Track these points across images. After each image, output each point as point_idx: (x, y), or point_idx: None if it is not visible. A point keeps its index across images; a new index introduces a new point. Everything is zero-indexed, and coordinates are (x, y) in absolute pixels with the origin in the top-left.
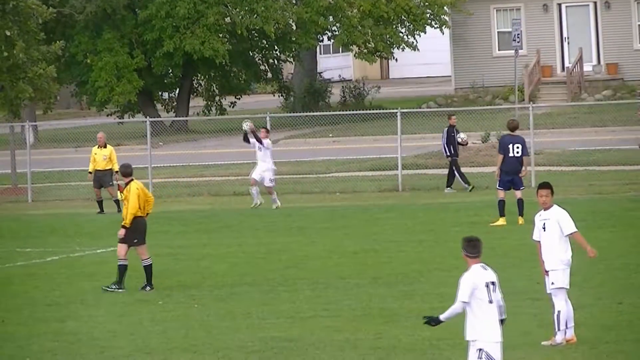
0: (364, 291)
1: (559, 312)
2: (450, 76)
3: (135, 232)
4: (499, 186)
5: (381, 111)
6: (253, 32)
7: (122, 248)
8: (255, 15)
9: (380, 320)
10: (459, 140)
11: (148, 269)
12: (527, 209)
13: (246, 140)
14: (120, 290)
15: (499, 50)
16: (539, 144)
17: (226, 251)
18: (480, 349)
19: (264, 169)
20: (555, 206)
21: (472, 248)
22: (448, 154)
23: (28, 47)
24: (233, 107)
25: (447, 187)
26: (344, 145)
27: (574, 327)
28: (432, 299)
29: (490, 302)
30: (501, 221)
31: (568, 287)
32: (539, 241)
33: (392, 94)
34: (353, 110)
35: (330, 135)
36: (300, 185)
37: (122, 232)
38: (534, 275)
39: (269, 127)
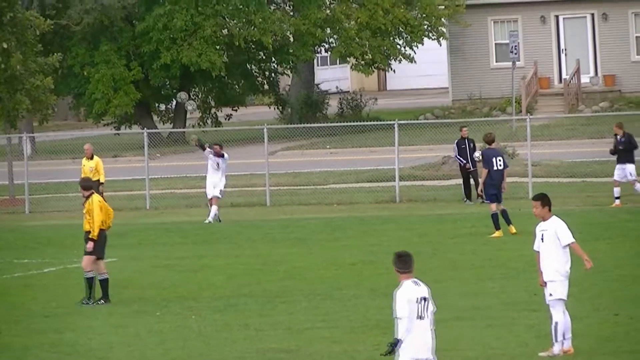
0: (362, 302)
1: (556, 323)
2: (447, 88)
3: (98, 246)
4: (486, 199)
5: (378, 123)
6: (250, 43)
7: (89, 261)
8: (253, 27)
9: (378, 331)
10: (475, 158)
11: (104, 283)
12: (526, 219)
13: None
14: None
15: (496, 61)
16: (537, 155)
17: (224, 262)
18: None
19: (216, 182)
20: (554, 217)
21: (403, 263)
22: (462, 164)
23: (25, 58)
24: (228, 119)
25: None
26: (341, 156)
27: (571, 338)
28: None
29: (420, 318)
30: (497, 233)
31: (566, 298)
32: (539, 252)
33: (389, 105)
34: (350, 122)
35: (328, 146)
36: (298, 196)
37: (90, 245)
38: (531, 286)
39: (266, 138)
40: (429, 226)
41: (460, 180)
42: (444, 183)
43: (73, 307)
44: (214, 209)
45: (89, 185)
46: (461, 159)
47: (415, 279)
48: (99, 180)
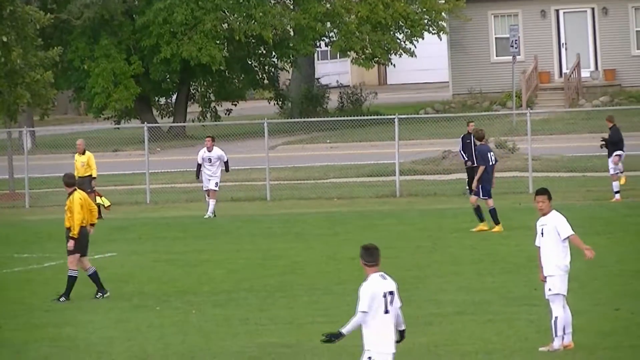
0: None
1: (556, 318)
2: (447, 82)
3: (80, 243)
4: (483, 196)
5: (379, 117)
6: (251, 38)
7: (73, 259)
8: (253, 21)
9: None
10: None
11: (94, 276)
12: (526, 214)
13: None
14: (66, 300)
15: (496, 56)
16: (537, 149)
17: (224, 257)
18: (369, 357)
19: (212, 175)
20: (553, 211)
21: (370, 256)
22: (465, 159)
23: (26, 52)
24: (228, 114)
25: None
26: (342, 151)
27: (572, 333)
28: (429, 305)
29: (386, 312)
30: (497, 228)
31: (565, 293)
32: (539, 247)
33: (389, 99)
34: (351, 116)
35: (328, 141)
36: (298, 191)
37: (71, 243)
38: (531, 281)
39: (266, 133)
40: (429, 221)
41: (461, 174)
42: (444, 177)
43: (73, 301)
44: (212, 202)
45: (72, 182)
46: (464, 155)
47: (382, 273)
48: (91, 175)
